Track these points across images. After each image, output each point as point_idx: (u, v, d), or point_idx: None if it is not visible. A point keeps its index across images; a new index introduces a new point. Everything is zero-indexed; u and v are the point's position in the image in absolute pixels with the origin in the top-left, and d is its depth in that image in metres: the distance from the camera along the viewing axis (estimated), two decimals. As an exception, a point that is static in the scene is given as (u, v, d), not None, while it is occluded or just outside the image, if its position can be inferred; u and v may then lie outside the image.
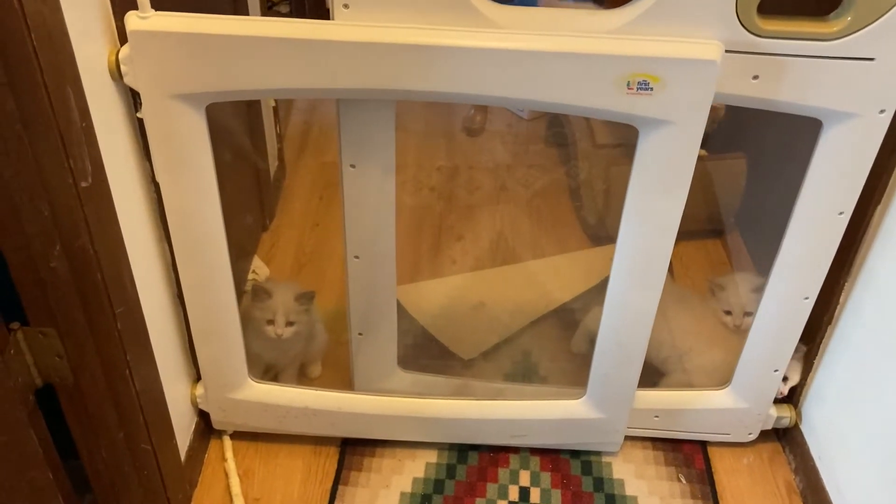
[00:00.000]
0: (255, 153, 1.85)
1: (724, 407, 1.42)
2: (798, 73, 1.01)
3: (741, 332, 1.44)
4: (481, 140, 2.36)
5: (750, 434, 1.46)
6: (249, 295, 1.41)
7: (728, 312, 1.46)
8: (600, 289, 1.66)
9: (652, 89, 0.97)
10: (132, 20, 0.96)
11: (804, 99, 1.03)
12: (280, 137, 2.07)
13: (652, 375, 1.49)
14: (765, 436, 1.47)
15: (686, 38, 0.97)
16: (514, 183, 2.16)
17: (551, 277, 1.84)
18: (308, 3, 2.89)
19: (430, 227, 2.01)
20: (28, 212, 0.91)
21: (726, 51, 0.98)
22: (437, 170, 2.21)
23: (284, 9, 3.08)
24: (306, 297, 1.40)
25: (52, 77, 0.85)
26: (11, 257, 0.95)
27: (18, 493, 1.06)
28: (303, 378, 1.58)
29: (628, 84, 0.97)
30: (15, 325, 1.00)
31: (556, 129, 2.26)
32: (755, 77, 1.01)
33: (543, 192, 2.13)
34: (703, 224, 1.89)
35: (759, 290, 1.43)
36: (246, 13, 1.73)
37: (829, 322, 1.33)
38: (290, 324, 1.38)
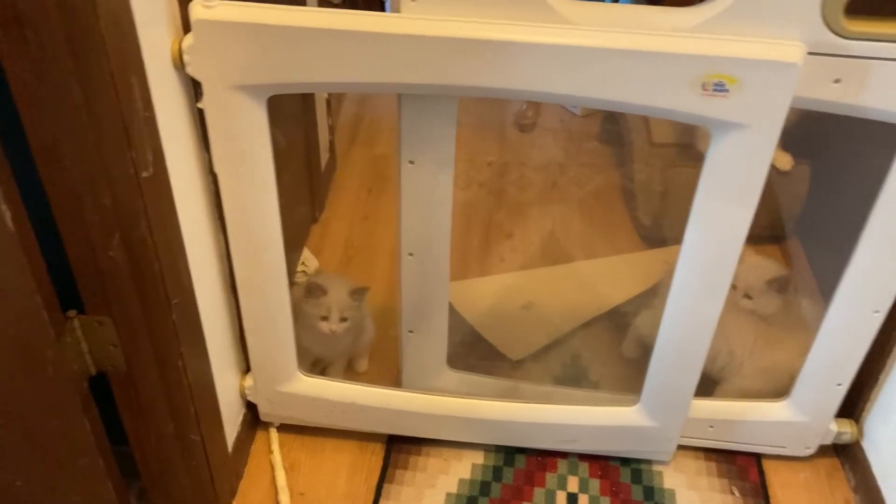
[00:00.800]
0: (308, 144, 1.84)
1: (782, 419, 1.37)
2: (884, 77, 0.96)
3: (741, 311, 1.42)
4: (533, 136, 2.32)
5: (807, 448, 1.41)
6: (302, 290, 1.40)
7: (733, 286, 1.40)
8: (653, 292, 1.63)
9: (728, 91, 0.94)
10: (197, 9, 0.95)
11: (888, 105, 0.98)
12: (332, 129, 2.06)
13: (707, 384, 1.46)
14: (823, 450, 1.42)
15: (766, 39, 0.93)
16: (566, 180, 2.13)
17: (603, 279, 1.80)
18: (361, -6, 2.88)
19: (478, 224, 1.99)
20: (89, 201, 0.91)
21: (808, 52, 0.93)
22: (488, 165, 2.18)
23: (336, -1, 3.08)
24: (360, 293, 1.39)
25: (119, 66, 0.84)
26: (71, 246, 0.95)
27: (70, 479, 1.07)
28: (350, 372, 1.57)
29: (703, 85, 0.94)
30: (72, 312, 1.01)
31: (611, 127, 2.22)
32: (837, 80, 0.97)
33: (596, 191, 2.09)
34: (761, 229, 1.84)
35: (774, 282, 1.41)
36: (303, 2, 1.72)
37: (899, 336, 1.28)
38: (343, 319, 1.37)
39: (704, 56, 0.92)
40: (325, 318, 1.37)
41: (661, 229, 1.85)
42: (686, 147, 1.87)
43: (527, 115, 2.32)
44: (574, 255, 1.90)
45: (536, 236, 1.96)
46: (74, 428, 1.02)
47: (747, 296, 1.41)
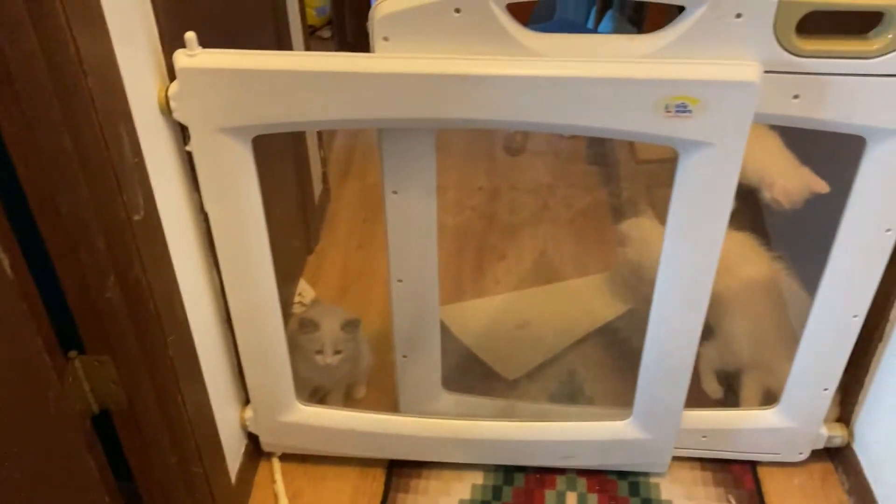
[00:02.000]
0: (300, 177, 1.89)
1: (773, 426, 1.40)
2: (839, 91, 1.00)
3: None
4: (522, 159, 2.37)
5: (800, 454, 1.43)
6: (296, 325, 1.44)
7: None
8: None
9: (691, 112, 0.98)
10: (180, 58, 0.99)
11: (847, 117, 1.02)
12: (324, 161, 2.11)
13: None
14: (816, 455, 1.45)
15: (724, 60, 0.97)
16: (556, 201, 2.17)
17: (595, 296, 1.83)
18: (350, 28, 2.95)
19: (472, 248, 2.03)
20: (84, 245, 0.95)
21: (766, 71, 0.97)
22: (479, 190, 2.23)
23: (326, 33, 3.15)
24: (352, 325, 1.43)
25: (107, 116, 0.88)
26: (68, 288, 0.99)
27: (77, 516, 1.09)
28: (348, 399, 1.60)
29: (667, 107, 0.98)
30: (73, 353, 1.04)
31: (597, 146, 2.26)
32: (796, 96, 1.01)
33: (585, 210, 2.13)
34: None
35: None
36: (289, 39, 1.77)
37: (880, 339, 1.31)
38: (337, 352, 1.41)
39: (665, 80, 0.96)
40: (319, 352, 1.40)
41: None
42: (670, 162, 1.91)
43: (515, 139, 2.36)
44: (566, 273, 1.93)
45: (529, 257, 1.99)
46: (79, 466, 1.05)
47: None
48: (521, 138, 2.37)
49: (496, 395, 1.54)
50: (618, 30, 2.60)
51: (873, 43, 0.97)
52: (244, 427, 1.43)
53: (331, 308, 1.57)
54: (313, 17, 3.09)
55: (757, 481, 1.44)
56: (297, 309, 1.81)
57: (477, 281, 1.93)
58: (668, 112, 0.98)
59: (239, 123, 1.03)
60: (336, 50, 3.02)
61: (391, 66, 0.97)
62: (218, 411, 1.29)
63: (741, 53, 0.97)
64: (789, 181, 1.53)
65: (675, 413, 1.33)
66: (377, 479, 1.47)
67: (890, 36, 0.95)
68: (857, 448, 1.40)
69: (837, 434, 1.41)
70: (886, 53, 0.97)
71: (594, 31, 2.69)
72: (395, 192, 1.16)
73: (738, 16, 0.95)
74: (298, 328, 1.42)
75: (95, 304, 1.00)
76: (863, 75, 0.99)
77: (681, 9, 0.97)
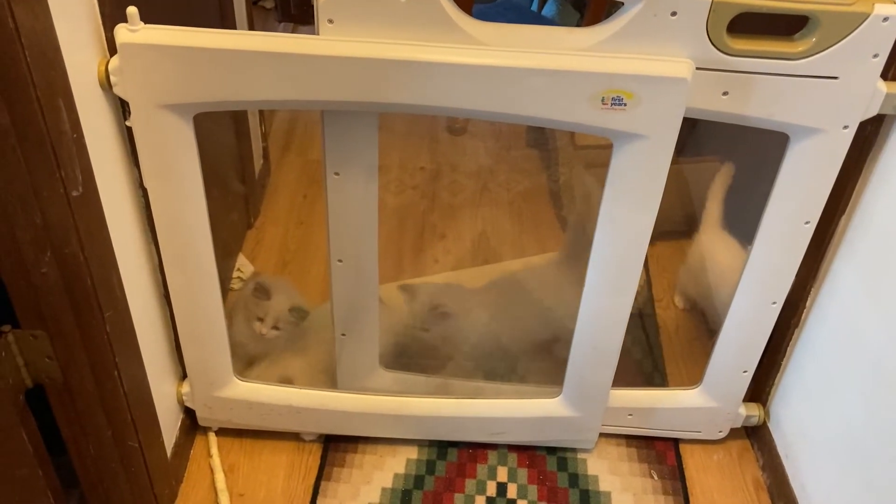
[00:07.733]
0: (241, 151, 1.87)
1: (695, 406, 1.46)
2: (766, 89, 1.05)
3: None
4: (464, 140, 2.39)
5: (720, 432, 1.51)
6: (251, 286, 1.45)
7: None
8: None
9: (626, 105, 1.01)
10: (122, 33, 0.98)
11: (772, 114, 1.07)
12: (265, 136, 2.10)
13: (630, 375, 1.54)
14: (734, 433, 1.52)
15: (659, 56, 1.01)
16: (496, 183, 2.20)
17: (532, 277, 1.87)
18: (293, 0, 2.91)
19: (413, 227, 2.05)
20: (20, 220, 0.94)
21: (697, 68, 1.02)
22: (420, 170, 2.24)
23: (269, 4, 3.10)
24: (299, 313, 1.44)
25: (45, 91, 0.87)
26: (3, 263, 0.98)
27: (9, 490, 1.09)
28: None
29: (603, 100, 1.01)
30: (6, 327, 1.03)
31: (538, 130, 2.30)
32: (725, 93, 1.06)
33: (524, 192, 2.17)
34: (678, 224, 1.94)
35: None
36: (231, 9, 1.75)
37: (797, 325, 1.38)
38: (275, 328, 1.42)
39: (603, 73, 0.99)
40: (260, 320, 1.42)
41: (586, 228, 1.93)
42: (609, 148, 1.96)
43: (458, 119, 2.38)
44: (504, 254, 1.97)
45: (469, 237, 2.03)
46: (12, 440, 1.04)
47: None
48: (464, 119, 2.39)
49: (432, 373, 1.58)
50: (561, 13, 2.63)
51: (798, 45, 1.01)
52: (181, 402, 1.44)
53: (289, 286, 1.57)
54: (256, -13, 3.04)
55: (678, 457, 1.51)
56: (235, 284, 1.81)
57: (417, 260, 1.95)
58: (605, 105, 1.01)
59: (180, 101, 1.03)
60: (279, 21, 2.98)
61: (335, 49, 0.98)
62: (154, 386, 1.29)
63: (675, 50, 1.01)
64: None
65: (603, 392, 1.39)
66: (313, 453, 1.49)
67: (814, 39, 1.00)
68: (772, 427, 1.48)
69: (754, 414, 1.48)
70: (810, 55, 1.02)
71: (538, 13, 2.72)
72: (336, 174, 1.17)
73: (674, 14, 0.99)
74: (252, 290, 1.43)
75: (31, 278, 0.99)
76: (788, 75, 1.04)
77: (621, 3, 1.01)
